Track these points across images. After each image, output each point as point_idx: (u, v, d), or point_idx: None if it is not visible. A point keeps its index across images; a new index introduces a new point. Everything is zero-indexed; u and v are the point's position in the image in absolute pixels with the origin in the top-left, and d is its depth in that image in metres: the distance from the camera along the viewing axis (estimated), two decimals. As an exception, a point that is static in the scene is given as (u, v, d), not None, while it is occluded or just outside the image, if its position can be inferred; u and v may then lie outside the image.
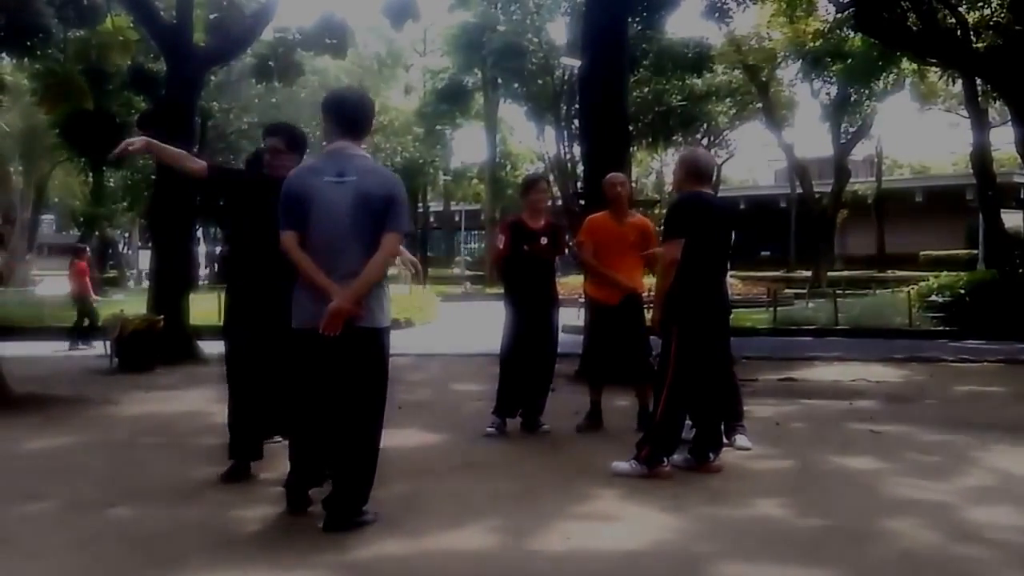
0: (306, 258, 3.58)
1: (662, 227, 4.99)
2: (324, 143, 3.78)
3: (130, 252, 43.73)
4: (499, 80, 30.73)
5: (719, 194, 26.39)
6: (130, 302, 14.50)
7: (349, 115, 3.75)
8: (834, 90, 28.27)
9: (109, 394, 7.47)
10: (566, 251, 6.10)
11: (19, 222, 32.64)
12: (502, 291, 6.02)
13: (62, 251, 43.71)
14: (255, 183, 4.59)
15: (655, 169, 43.88)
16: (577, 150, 25.40)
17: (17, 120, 27.72)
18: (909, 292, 16.18)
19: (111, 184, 29.08)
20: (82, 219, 31.83)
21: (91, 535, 3.59)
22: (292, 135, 4.67)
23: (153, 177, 15.72)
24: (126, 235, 43.55)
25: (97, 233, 32.12)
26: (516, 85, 30.06)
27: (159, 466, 4.79)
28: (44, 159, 30.20)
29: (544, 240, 5.80)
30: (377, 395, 3.69)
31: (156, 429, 5.89)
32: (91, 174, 22.56)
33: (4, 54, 12.95)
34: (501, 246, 5.87)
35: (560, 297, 6.05)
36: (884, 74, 23.96)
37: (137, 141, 4.58)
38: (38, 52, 12.68)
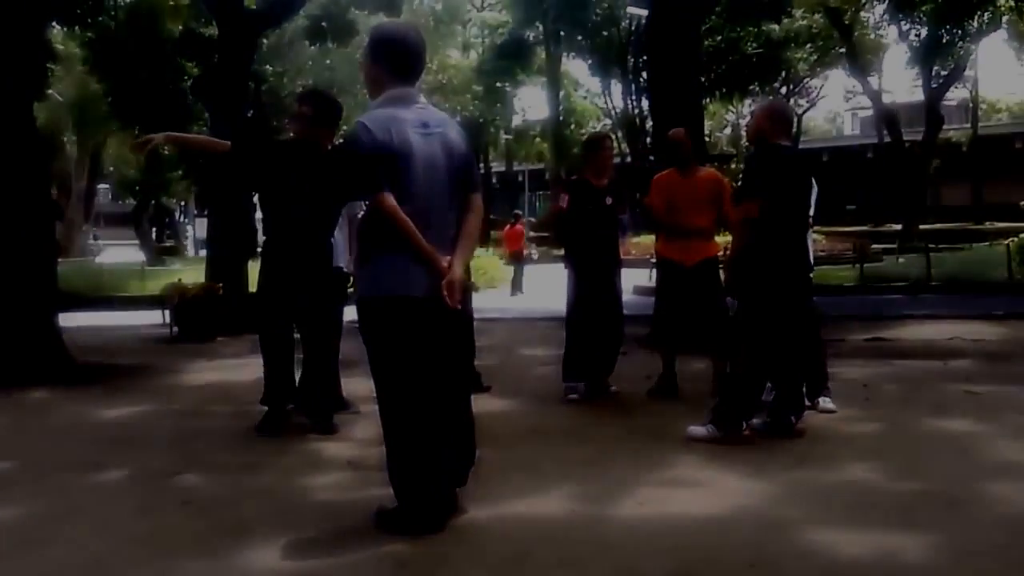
0: (410, 223, 3.09)
1: (738, 182, 4.78)
2: (374, 90, 3.30)
3: (187, 220, 43.84)
4: (561, 33, 30.09)
5: (800, 146, 25.52)
6: (188, 271, 14.70)
7: (413, 57, 3.26)
8: (924, 31, 26.84)
9: (171, 363, 7.56)
10: (628, 212, 5.92)
11: (75, 192, 33.02)
12: (563, 252, 5.90)
13: (119, 220, 44.60)
14: (284, 148, 4.77)
15: (730, 122, 42.63)
16: (646, 104, 24.81)
17: (70, 89, 27.54)
18: (1008, 245, 15.39)
19: (166, 152, 29.62)
20: (138, 188, 32.18)
21: (157, 503, 3.62)
22: (323, 103, 4.81)
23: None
24: (182, 203, 43.45)
25: (153, 202, 32.49)
26: (580, 38, 29.46)
27: (224, 435, 4.82)
28: (98, 128, 29.91)
29: (609, 199, 5.66)
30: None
31: (220, 398, 5.93)
32: (146, 142, 22.89)
33: (55, 23, 12.87)
34: (564, 205, 5.73)
35: (632, 257, 5.90)
36: (978, 13, 22.67)
37: (157, 136, 4.79)
38: (89, 20, 12.73)
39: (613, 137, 6.43)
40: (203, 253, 19.28)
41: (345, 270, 5.11)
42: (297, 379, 4.92)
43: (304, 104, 4.75)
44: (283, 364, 4.82)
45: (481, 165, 41.28)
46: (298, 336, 4.90)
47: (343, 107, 5.15)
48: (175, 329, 9.47)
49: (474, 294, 6.05)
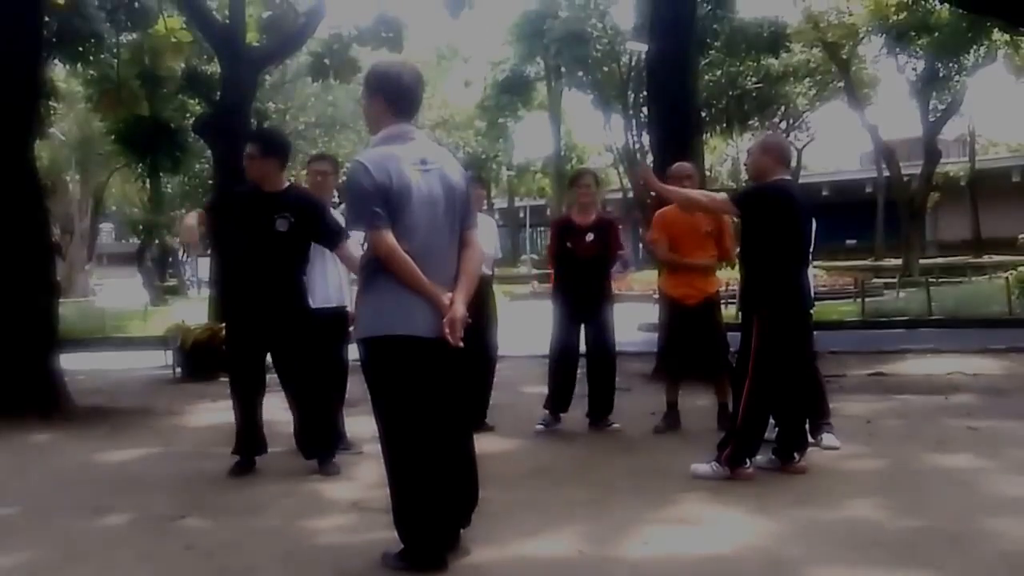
0: (410, 262, 3.09)
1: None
2: (373, 128, 3.33)
3: (190, 259, 44.08)
4: (563, 69, 30.35)
5: (799, 180, 25.65)
6: (190, 310, 14.60)
7: (410, 93, 3.27)
8: (921, 66, 27.05)
9: (174, 405, 7.48)
10: (621, 250, 5.83)
11: (78, 231, 32.59)
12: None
13: (122, 259, 44.25)
14: (242, 196, 4.77)
15: (730, 156, 42.88)
16: (646, 139, 25.00)
17: (72, 128, 27.38)
18: (1008, 278, 15.37)
19: (169, 191, 28.85)
20: (141, 227, 32.01)
21: (160, 548, 3.60)
22: (267, 140, 4.91)
23: (211, 182, 15.86)
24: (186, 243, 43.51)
25: (157, 241, 32.32)
26: (580, 73, 29.68)
27: (226, 477, 4.76)
28: (101, 167, 29.70)
29: (590, 237, 5.63)
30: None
31: (223, 439, 5.82)
32: (148, 181, 22.68)
33: (57, 60, 12.94)
34: (550, 242, 5.81)
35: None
36: (974, 46, 22.90)
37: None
38: (91, 57, 12.73)
39: (595, 174, 6.34)
40: (204, 292, 19.14)
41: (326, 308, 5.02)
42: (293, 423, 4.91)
43: (249, 145, 4.77)
44: (248, 410, 4.75)
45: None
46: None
47: (290, 142, 5.16)
48: (178, 370, 9.42)
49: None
